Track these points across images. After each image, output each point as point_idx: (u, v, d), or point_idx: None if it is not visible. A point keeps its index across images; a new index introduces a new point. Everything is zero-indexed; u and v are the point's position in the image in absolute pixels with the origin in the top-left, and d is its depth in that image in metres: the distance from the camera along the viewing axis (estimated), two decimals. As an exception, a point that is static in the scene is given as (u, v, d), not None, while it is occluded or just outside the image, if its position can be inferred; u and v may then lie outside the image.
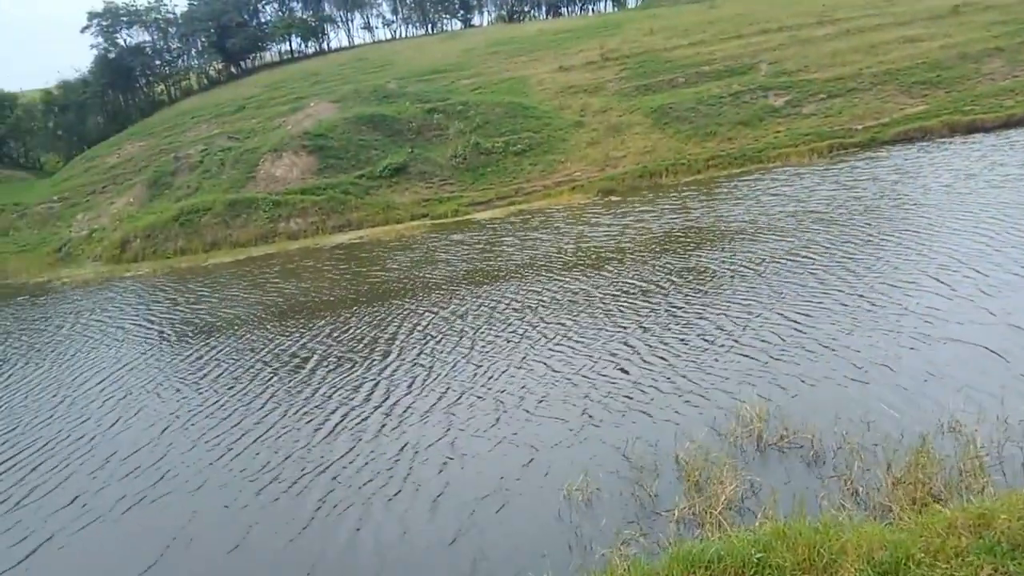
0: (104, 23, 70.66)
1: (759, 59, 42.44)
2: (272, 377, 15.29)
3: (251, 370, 15.92)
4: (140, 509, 10.64)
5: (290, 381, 14.91)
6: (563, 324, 15.88)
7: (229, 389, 14.93)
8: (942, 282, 14.93)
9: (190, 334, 19.66)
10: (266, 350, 17.16)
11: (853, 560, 5.99)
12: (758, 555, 6.29)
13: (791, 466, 9.21)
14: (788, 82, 38.95)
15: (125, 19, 72.06)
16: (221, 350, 17.72)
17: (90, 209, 44.81)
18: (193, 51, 78.08)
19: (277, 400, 13.95)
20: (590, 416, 11.43)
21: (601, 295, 17.51)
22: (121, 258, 35.07)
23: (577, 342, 14.70)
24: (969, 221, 18.82)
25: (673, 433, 10.32)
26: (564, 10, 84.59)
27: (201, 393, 14.98)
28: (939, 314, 13.34)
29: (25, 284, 33.47)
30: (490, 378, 13.51)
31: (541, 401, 12.22)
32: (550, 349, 14.54)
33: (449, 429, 11.69)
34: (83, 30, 70.86)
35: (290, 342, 17.50)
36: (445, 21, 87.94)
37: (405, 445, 11.37)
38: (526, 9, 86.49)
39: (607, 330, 15.13)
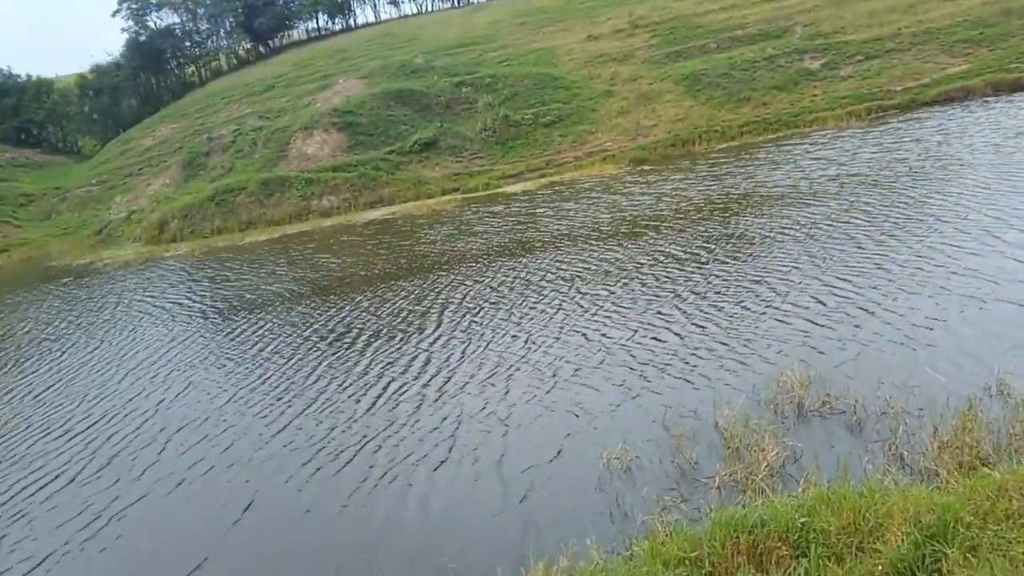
0: (134, 6, 71.48)
1: (794, 21, 41.41)
2: (319, 351, 15.49)
3: (298, 344, 16.16)
4: (196, 482, 10.88)
5: (335, 354, 15.10)
6: (604, 293, 15.83)
7: (276, 363, 15.17)
8: (994, 243, 14.50)
9: (236, 310, 20.02)
10: (311, 325, 17.41)
11: (900, 523, 5.93)
12: (802, 520, 6.25)
13: (834, 432, 9.12)
14: (824, 44, 37.97)
15: (155, 1, 72.73)
16: (268, 325, 18.00)
17: (128, 191, 45.64)
18: (222, 31, 78.68)
19: (324, 373, 14.15)
20: (631, 384, 11.40)
21: (641, 263, 17.40)
22: (160, 239, 35.74)
23: (618, 311, 14.65)
24: (1021, 180, 18.25)
25: (712, 400, 10.25)
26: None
27: (249, 368, 15.25)
28: (992, 275, 12.97)
29: (69, 266, 34.29)
30: (533, 348, 13.54)
31: (584, 370, 12.21)
32: (592, 318, 14.50)
33: (494, 399, 11.75)
34: (114, 14, 71.94)
35: (334, 316, 17.72)
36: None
37: (455, 414, 11.45)
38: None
39: (647, 298, 15.04)
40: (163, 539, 9.66)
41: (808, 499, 6.69)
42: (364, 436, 11.25)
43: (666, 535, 6.91)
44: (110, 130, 64.79)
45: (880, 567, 5.60)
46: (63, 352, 18.85)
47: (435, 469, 10.02)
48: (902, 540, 5.74)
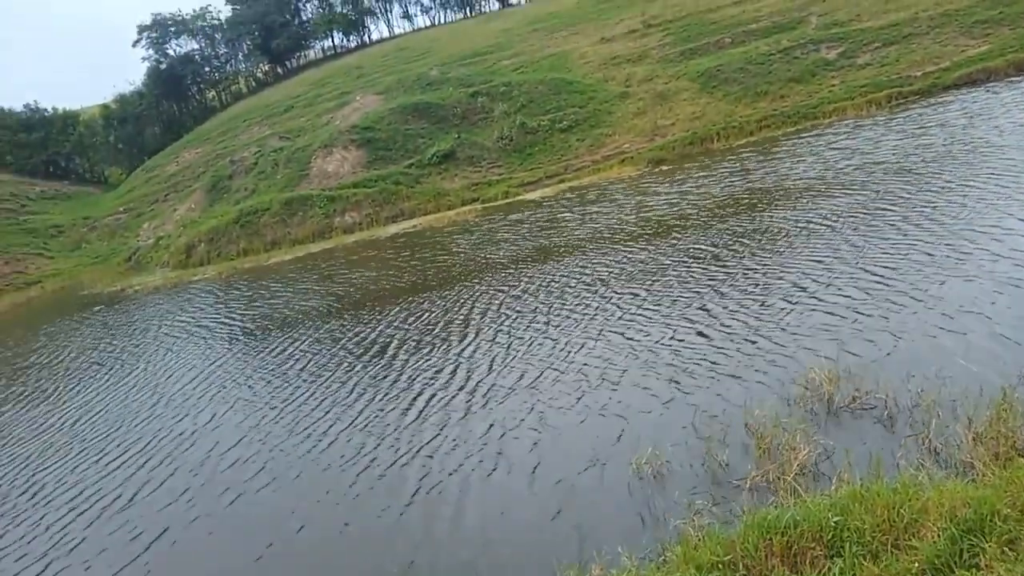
0: (153, 35, 72.89)
1: (808, 12, 41.08)
2: (355, 365, 15.64)
3: (334, 359, 16.32)
4: (246, 500, 10.98)
5: (373, 367, 15.23)
6: (634, 295, 15.75)
7: (316, 379, 15.31)
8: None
9: (270, 328, 20.29)
10: (346, 339, 17.57)
11: (935, 519, 5.85)
12: (835, 519, 6.19)
13: (865, 428, 9.01)
14: (840, 33, 37.60)
15: (173, 29, 74.26)
16: (302, 342, 18.17)
17: (155, 217, 46.50)
18: (240, 55, 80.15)
19: (363, 386, 14.27)
20: (661, 387, 11.33)
21: (668, 264, 17.31)
22: (187, 263, 36.33)
23: (649, 312, 14.55)
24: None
25: (742, 400, 10.19)
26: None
27: (289, 384, 15.40)
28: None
29: (101, 294, 34.98)
30: (568, 353, 13.53)
31: (616, 374, 12.14)
32: (623, 322, 14.40)
33: (532, 406, 11.75)
34: (135, 44, 73.41)
35: (368, 330, 17.87)
36: (483, 2, 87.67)
37: (497, 422, 11.49)
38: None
39: (677, 299, 14.94)
40: (219, 560, 9.77)
41: (841, 497, 6.62)
42: (397, 451, 11.30)
43: (699, 539, 6.88)
44: (135, 158, 66.11)
45: (917, 564, 5.53)
46: (107, 377, 19.22)
47: (473, 478, 10.09)
48: (938, 536, 5.67)
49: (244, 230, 36.31)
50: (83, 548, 10.61)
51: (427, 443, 11.36)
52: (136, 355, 20.91)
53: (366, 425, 12.48)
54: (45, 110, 69.49)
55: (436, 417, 12.20)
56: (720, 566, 6.19)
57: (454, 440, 11.27)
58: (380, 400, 13.42)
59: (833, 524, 6.15)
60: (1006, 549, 5.31)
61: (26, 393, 19.51)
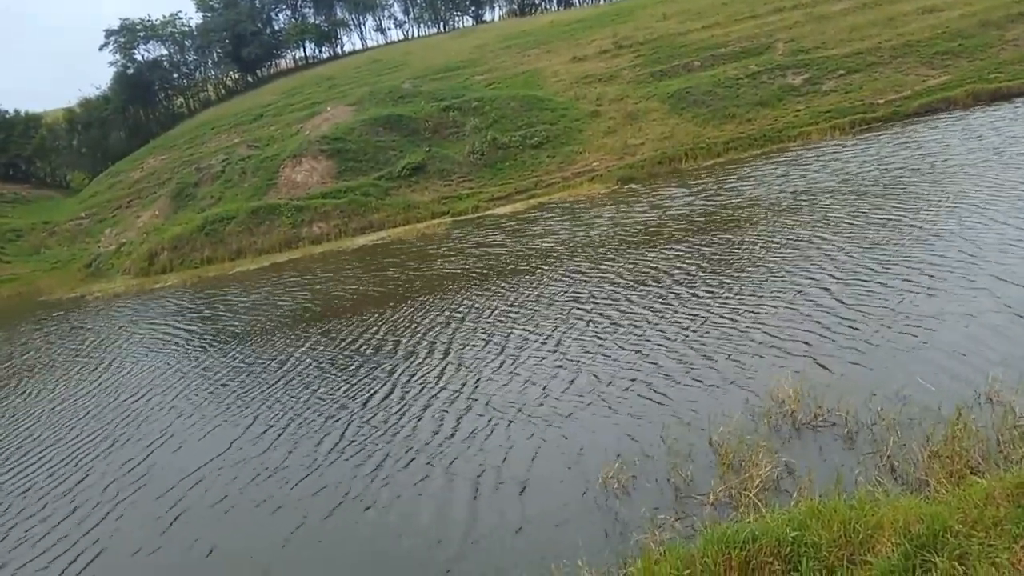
0: (121, 40, 71.69)
1: (775, 38, 41.93)
2: (337, 373, 15.55)
3: (323, 368, 16.16)
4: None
5: (323, 382, 15.14)
6: (601, 309, 15.86)
7: (306, 390, 15.10)
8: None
9: (237, 337, 20.00)
10: (309, 349, 17.43)
11: (889, 535, 5.96)
12: (793, 534, 6.27)
13: (826, 444, 9.14)
14: (806, 60, 38.44)
15: (142, 35, 73.07)
16: (266, 352, 17.94)
17: (117, 224, 45.63)
18: (210, 62, 79.18)
19: (315, 399, 14.15)
20: (628, 403, 11.39)
21: (636, 279, 17.44)
22: (150, 270, 35.69)
23: (617, 327, 14.64)
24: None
25: (707, 416, 10.27)
26: (575, 0, 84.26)
27: (244, 399, 15.19)
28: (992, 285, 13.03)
29: (59, 300, 34.18)
30: (534, 366, 13.58)
31: (579, 390, 12.20)
32: (587, 338, 14.44)
33: (498, 418, 11.79)
34: (101, 48, 72.04)
35: (329, 340, 17.78)
36: (456, 18, 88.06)
37: (455, 434, 11.46)
38: (537, 1, 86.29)
39: (647, 313, 15.06)
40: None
41: (800, 513, 6.71)
42: (376, 454, 11.25)
43: (660, 554, 6.91)
44: (99, 163, 64.73)
45: (871, 579, 5.62)
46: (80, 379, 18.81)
47: (434, 490, 10.03)
48: (892, 551, 5.77)
49: (209, 238, 35.79)
50: None
51: (389, 453, 11.32)
52: (105, 363, 20.32)
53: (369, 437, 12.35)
54: (6, 112, 67.89)
55: (394, 426, 12.18)
56: (680, 580, 6.22)
57: (415, 450, 11.22)
58: (335, 407, 13.34)
59: (791, 539, 6.23)
60: (956, 564, 5.42)
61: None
